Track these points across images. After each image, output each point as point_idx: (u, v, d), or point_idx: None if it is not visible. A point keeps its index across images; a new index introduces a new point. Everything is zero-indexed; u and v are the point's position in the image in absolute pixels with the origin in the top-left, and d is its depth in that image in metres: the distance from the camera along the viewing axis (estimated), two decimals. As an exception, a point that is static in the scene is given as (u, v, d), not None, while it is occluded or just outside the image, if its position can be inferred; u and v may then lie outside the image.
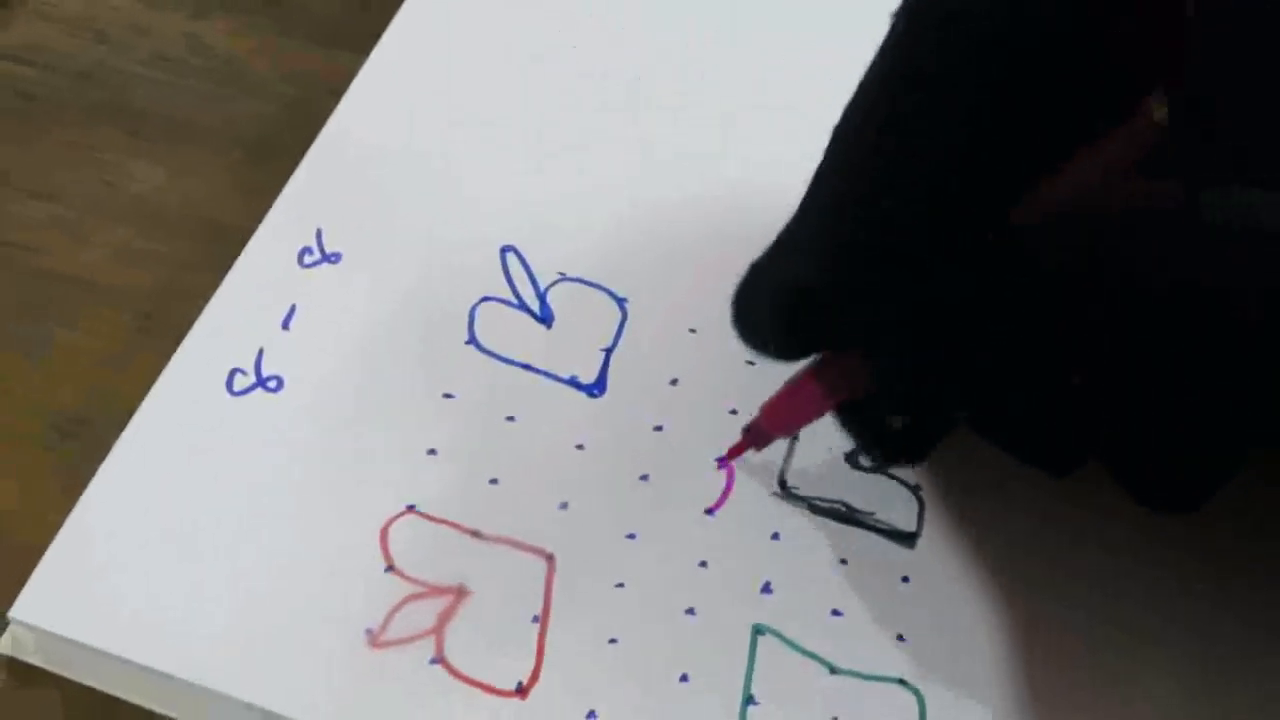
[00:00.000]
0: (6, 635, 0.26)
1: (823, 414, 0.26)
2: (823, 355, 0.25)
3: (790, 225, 0.23)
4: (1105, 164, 0.21)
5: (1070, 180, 0.21)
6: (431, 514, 0.27)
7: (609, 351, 0.30)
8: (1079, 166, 0.21)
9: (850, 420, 0.26)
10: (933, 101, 0.21)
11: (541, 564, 0.27)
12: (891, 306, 0.22)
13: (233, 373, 0.29)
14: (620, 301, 0.30)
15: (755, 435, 0.27)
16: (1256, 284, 0.19)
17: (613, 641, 0.26)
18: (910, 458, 0.27)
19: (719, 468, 0.28)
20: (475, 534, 0.27)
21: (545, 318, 0.30)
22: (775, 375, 0.29)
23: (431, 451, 0.28)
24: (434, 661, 0.25)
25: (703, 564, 0.27)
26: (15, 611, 0.25)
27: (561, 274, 0.31)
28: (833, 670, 0.26)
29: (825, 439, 0.29)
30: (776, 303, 0.23)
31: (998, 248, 0.21)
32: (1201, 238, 0.19)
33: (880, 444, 0.27)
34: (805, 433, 0.29)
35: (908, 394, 0.24)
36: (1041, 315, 0.21)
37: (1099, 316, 0.20)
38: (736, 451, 0.27)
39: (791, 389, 0.26)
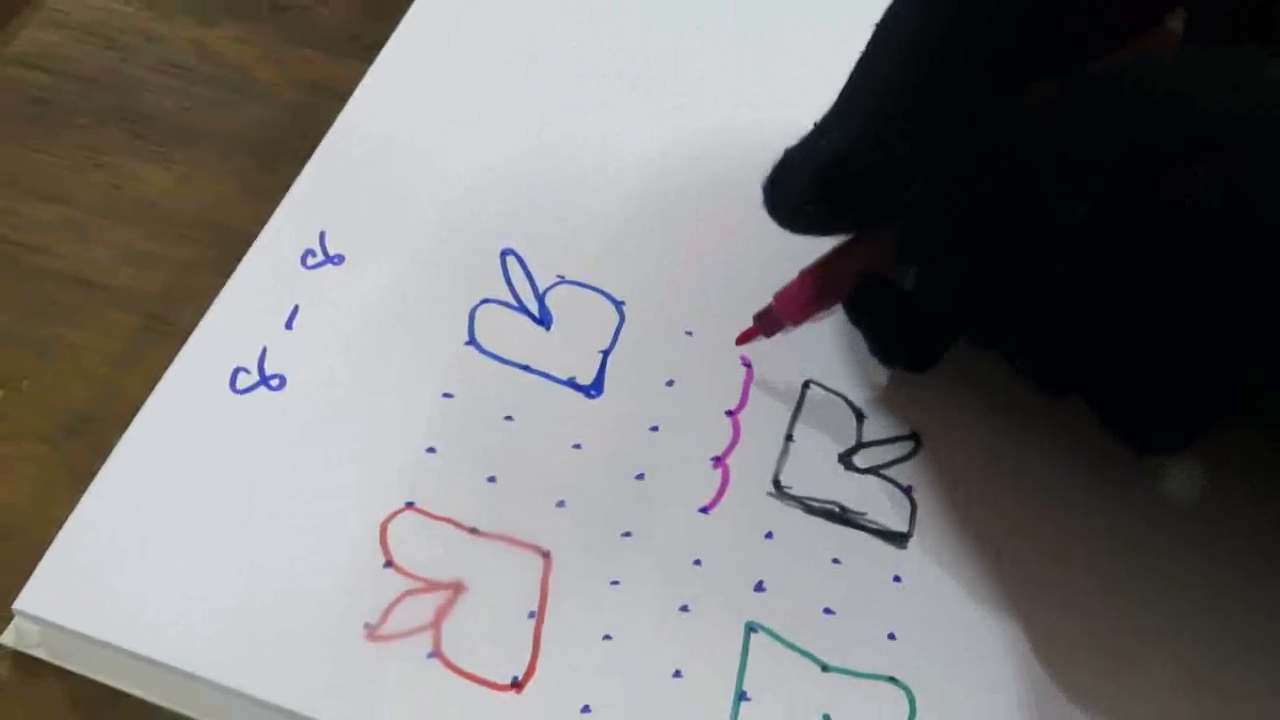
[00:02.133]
0: (11, 628, 0.27)
1: (834, 303, 0.27)
2: (839, 243, 0.26)
3: (829, 111, 0.25)
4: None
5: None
6: (430, 511, 0.27)
7: (606, 353, 0.30)
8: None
9: (861, 316, 0.28)
10: None
11: (538, 561, 0.27)
12: (928, 167, 0.24)
13: (236, 371, 0.29)
14: (617, 304, 0.31)
15: (767, 320, 0.28)
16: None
17: (607, 638, 0.26)
18: (914, 361, 0.28)
19: (739, 346, 0.29)
20: (473, 531, 0.27)
21: (544, 320, 0.31)
22: (765, 371, 0.30)
23: (431, 450, 0.28)
24: (431, 655, 0.26)
25: (697, 562, 0.27)
26: (20, 604, 0.26)
27: (560, 277, 0.31)
28: (824, 668, 0.26)
29: (820, 440, 0.29)
30: (815, 170, 0.25)
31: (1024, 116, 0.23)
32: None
33: (888, 343, 0.28)
34: (800, 434, 0.29)
35: (927, 269, 0.25)
36: (1044, 197, 0.22)
37: (1088, 203, 0.22)
38: (747, 337, 0.28)
39: (805, 275, 0.27)
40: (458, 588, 0.27)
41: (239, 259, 0.31)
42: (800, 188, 0.25)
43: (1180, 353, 0.22)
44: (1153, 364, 0.22)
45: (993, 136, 0.23)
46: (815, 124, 0.25)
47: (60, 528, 0.27)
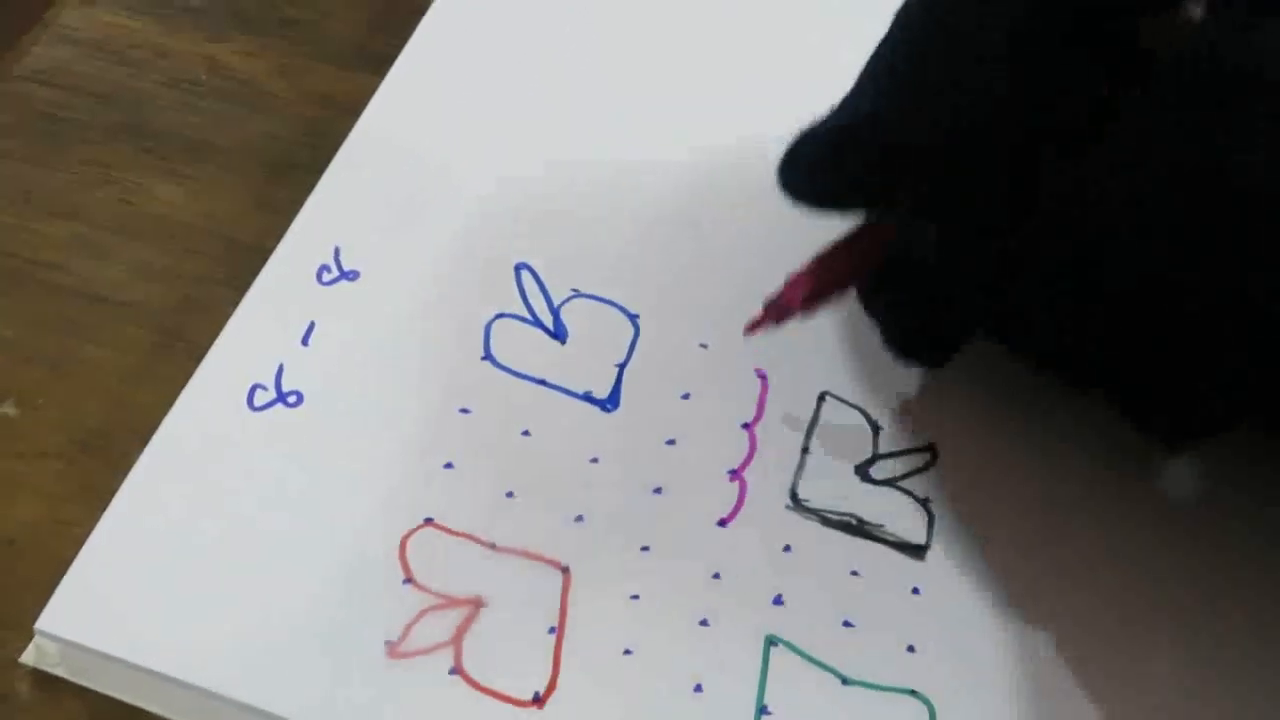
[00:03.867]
0: (31, 647, 0.27)
1: (847, 289, 0.27)
2: (851, 228, 0.26)
3: (849, 91, 0.24)
4: None
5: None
6: (449, 527, 0.27)
7: (622, 366, 0.30)
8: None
9: (877, 304, 0.27)
10: None
11: (557, 575, 0.27)
12: (948, 137, 0.23)
13: (253, 388, 0.29)
14: (632, 318, 0.31)
15: (776, 308, 0.27)
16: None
17: (628, 652, 0.26)
18: (929, 355, 0.28)
19: (749, 330, 0.28)
20: (492, 546, 0.27)
21: (559, 334, 0.31)
22: (781, 383, 0.30)
23: (448, 465, 0.28)
24: (452, 672, 0.26)
25: (716, 575, 0.27)
26: (41, 623, 0.26)
27: (575, 290, 0.31)
28: (844, 681, 0.26)
29: (837, 453, 0.29)
30: (835, 130, 0.24)
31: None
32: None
33: (906, 332, 0.27)
34: (816, 447, 0.29)
35: (935, 255, 0.24)
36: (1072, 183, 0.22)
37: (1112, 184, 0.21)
38: (756, 326, 0.28)
39: (816, 261, 0.26)
40: (478, 603, 0.27)
41: (250, 273, 0.31)
42: (819, 152, 0.24)
43: (1207, 338, 0.22)
44: (1180, 348, 0.22)
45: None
46: (834, 105, 0.25)
47: (76, 544, 0.27)
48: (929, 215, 0.25)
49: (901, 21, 0.24)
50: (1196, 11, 0.22)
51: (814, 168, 0.24)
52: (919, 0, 0.24)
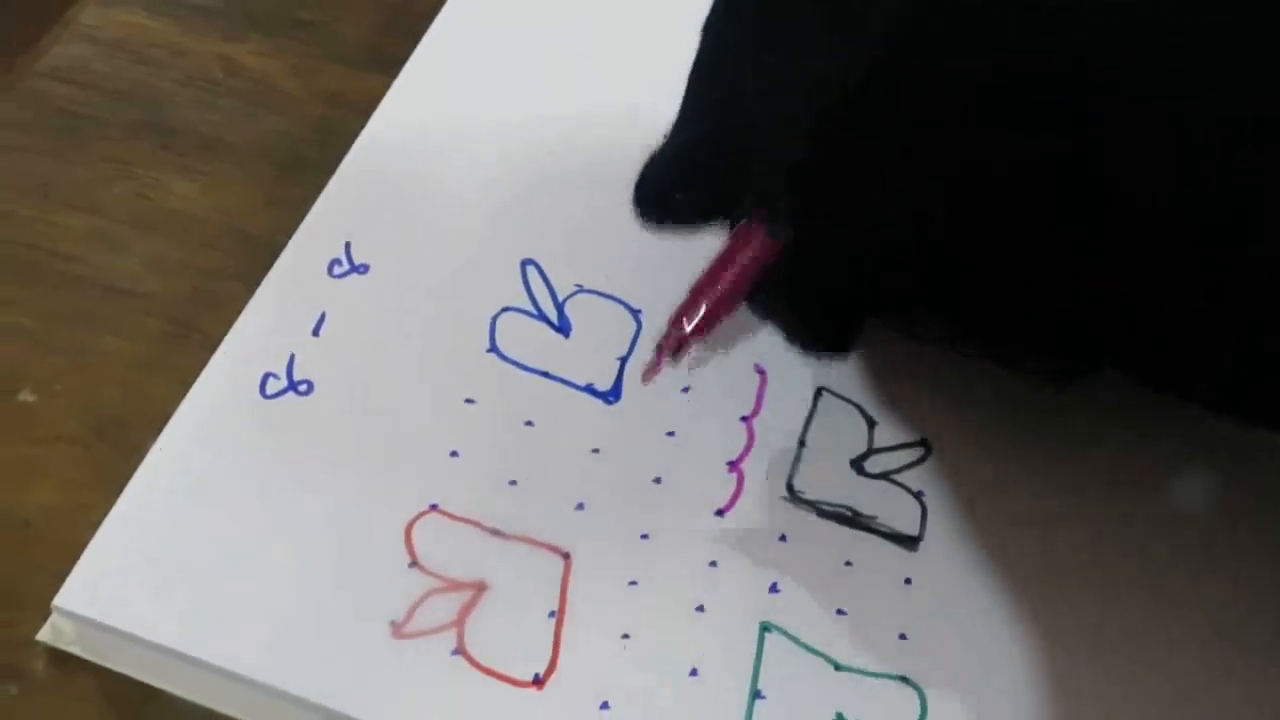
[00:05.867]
0: (48, 625, 0.27)
1: (734, 304, 0.27)
2: (722, 246, 0.26)
3: (679, 113, 0.25)
4: None
5: None
6: (454, 513, 0.28)
7: (624, 360, 0.31)
8: None
9: (768, 309, 0.28)
10: None
11: (558, 562, 0.28)
12: (764, 144, 0.24)
13: (266, 377, 0.30)
14: (635, 313, 0.32)
15: (672, 340, 0.27)
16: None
17: (626, 636, 0.27)
18: (832, 345, 0.28)
19: (643, 381, 0.28)
20: (495, 532, 0.28)
21: (563, 328, 0.31)
22: (779, 377, 0.31)
23: (454, 454, 0.29)
24: (455, 653, 0.26)
25: (713, 564, 0.28)
26: (59, 601, 0.27)
27: (579, 286, 0.32)
28: (837, 667, 0.27)
29: (833, 446, 0.30)
30: (678, 154, 0.25)
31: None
32: None
33: (804, 329, 0.28)
34: (813, 440, 0.30)
35: (800, 245, 0.25)
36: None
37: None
38: (652, 371, 0.28)
39: (697, 288, 0.27)
40: (480, 587, 0.27)
41: (261, 267, 0.32)
42: (666, 176, 0.25)
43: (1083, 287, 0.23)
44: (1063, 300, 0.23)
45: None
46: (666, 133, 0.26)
47: (92, 527, 0.28)
48: (792, 215, 0.25)
49: (709, 34, 0.25)
50: None
51: (670, 188, 0.25)
52: (718, 12, 0.24)
